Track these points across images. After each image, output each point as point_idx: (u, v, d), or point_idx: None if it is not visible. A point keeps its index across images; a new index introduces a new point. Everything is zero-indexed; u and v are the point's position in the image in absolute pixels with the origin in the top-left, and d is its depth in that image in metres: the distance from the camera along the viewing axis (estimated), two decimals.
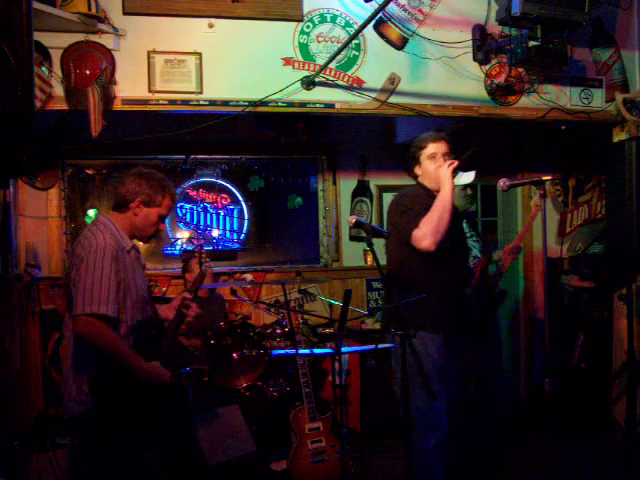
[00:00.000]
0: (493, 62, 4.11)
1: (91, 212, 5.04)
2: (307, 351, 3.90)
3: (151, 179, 2.72)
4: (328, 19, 3.86)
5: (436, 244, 2.92)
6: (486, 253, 3.95)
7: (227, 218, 5.42)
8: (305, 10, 3.81)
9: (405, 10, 3.96)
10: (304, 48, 3.82)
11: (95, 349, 2.49)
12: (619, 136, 4.43)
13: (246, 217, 5.46)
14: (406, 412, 2.68)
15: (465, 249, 3.50)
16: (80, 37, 3.44)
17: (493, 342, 4.01)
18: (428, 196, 3.13)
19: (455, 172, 3.06)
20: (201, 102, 3.67)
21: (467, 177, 3.40)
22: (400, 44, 3.97)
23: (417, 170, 3.21)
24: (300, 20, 3.81)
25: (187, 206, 5.33)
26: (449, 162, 3.05)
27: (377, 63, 3.93)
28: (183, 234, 5.33)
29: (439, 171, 3.06)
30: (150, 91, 3.60)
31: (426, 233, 2.92)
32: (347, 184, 5.53)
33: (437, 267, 3.05)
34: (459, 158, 3.07)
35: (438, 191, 3.12)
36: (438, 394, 2.92)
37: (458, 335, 3.15)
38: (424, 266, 3.04)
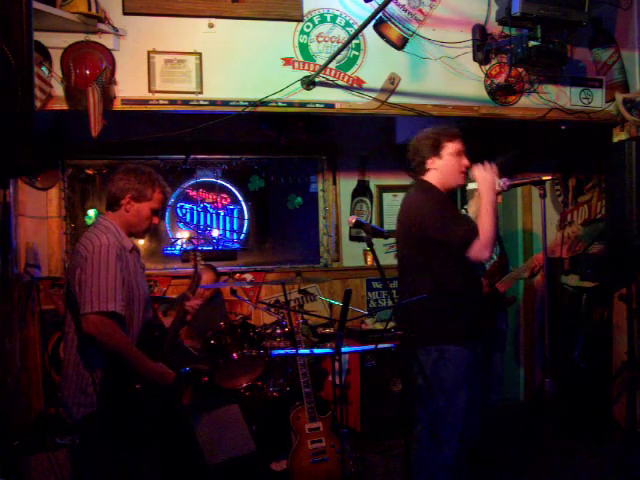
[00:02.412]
0: (493, 62, 4.11)
1: (91, 212, 5.04)
2: (307, 351, 3.90)
3: (139, 174, 2.71)
4: (328, 19, 3.86)
5: (492, 253, 2.88)
6: (501, 257, 3.94)
7: (227, 218, 5.42)
8: (305, 10, 3.81)
9: (405, 10, 3.96)
10: (304, 48, 3.82)
11: (104, 348, 2.49)
12: (619, 136, 4.43)
13: (246, 217, 5.46)
14: (407, 413, 2.68)
15: None
16: (80, 37, 3.44)
17: (498, 342, 3.99)
18: (444, 195, 3.00)
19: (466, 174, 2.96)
20: (201, 102, 3.67)
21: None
22: (400, 44, 3.97)
23: (432, 163, 2.96)
24: (300, 20, 3.81)
25: (187, 206, 5.33)
26: (489, 167, 2.88)
27: (377, 63, 3.93)
28: (183, 234, 5.33)
29: (481, 175, 2.88)
30: (150, 91, 3.60)
31: (487, 244, 2.79)
32: (347, 184, 5.53)
33: (469, 272, 2.99)
34: (498, 160, 2.93)
35: (451, 188, 3.03)
36: (462, 407, 2.90)
37: (482, 339, 3.09)
38: (463, 273, 2.93)
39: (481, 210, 2.85)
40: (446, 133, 2.98)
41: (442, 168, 2.97)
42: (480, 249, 2.79)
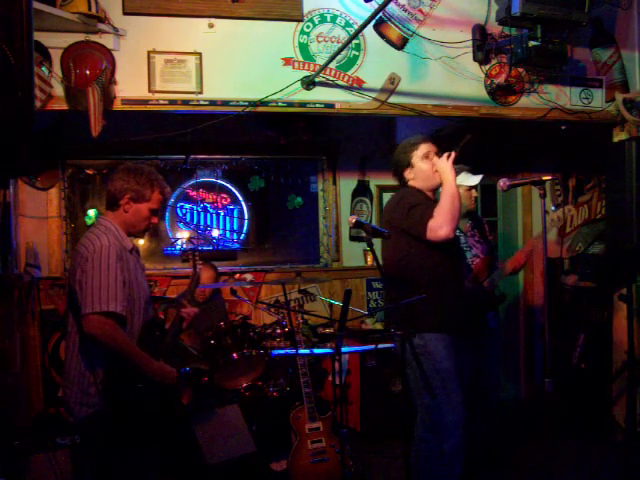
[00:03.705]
0: (493, 62, 4.11)
1: (91, 212, 5.04)
2: (307, 351, 3.90)
3: (138, 174, 2.69)
4: (328, 19, 3.86)
5: (453, 232, 2.96)
6: (489, 255, 3.94)
7: (227, 218, 5.42)
8: (305, 10, 3.82)
9: (405, 10, 3.96)
10: (304, 48, 3.83)
11: (105, 348, 2.49)
12: (619, 136, 4.43)
13: (246, 217, 5.46)
14: (407, 412, 2.69)
15: (459, 246, 3.58)
16: (80, 37, 3.44)
17: (490, 342, 3.99)
18: (424, 196, 3.18)
19: (458, 172, 3.08)
20: (201, 102, 3.67)
21: (474, 179, 3.54)
22: (400, 44, 3.97)
23: (408, 173, 3.22)
24: (300, 20, 3.81)
25: (187, 206, 5.33)
26: (447, 154, 3.08)
27: (377, 63, 3.93)
28: (183, 234, 5.33)
29: (438, 164, 3.09)
30: (150, 91, 3.60)
31: (442, 222, 2.93)
32: (347, 184, 5.53)
33: (444, 264, 3.09)
34: (455, 148, 3.10)
35: (431, 190, 3.20)
36: (455, 394, 2.98)
37: (461, 333, 3.16)
38: (432, 263, 3.06)
39: (441, 194, 3.04)
40: (411, 144, 3.22)
41: (417, 174, 3.21)
42: (434, 227, 2.95)
